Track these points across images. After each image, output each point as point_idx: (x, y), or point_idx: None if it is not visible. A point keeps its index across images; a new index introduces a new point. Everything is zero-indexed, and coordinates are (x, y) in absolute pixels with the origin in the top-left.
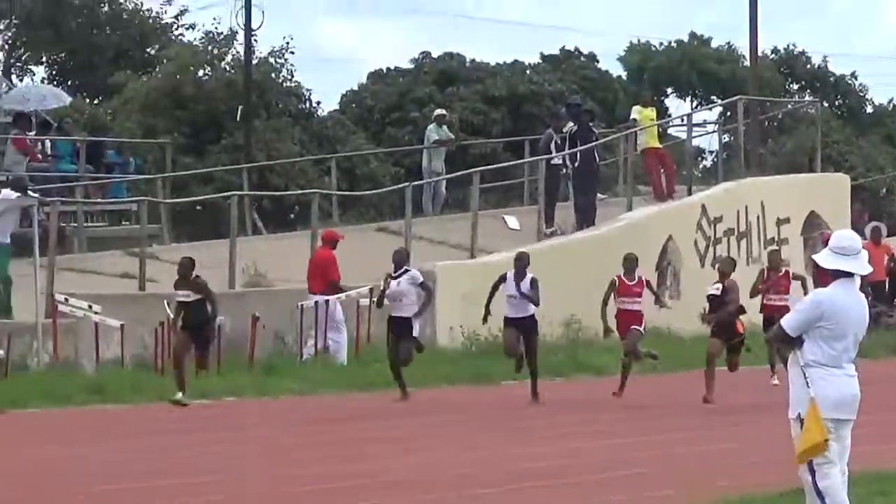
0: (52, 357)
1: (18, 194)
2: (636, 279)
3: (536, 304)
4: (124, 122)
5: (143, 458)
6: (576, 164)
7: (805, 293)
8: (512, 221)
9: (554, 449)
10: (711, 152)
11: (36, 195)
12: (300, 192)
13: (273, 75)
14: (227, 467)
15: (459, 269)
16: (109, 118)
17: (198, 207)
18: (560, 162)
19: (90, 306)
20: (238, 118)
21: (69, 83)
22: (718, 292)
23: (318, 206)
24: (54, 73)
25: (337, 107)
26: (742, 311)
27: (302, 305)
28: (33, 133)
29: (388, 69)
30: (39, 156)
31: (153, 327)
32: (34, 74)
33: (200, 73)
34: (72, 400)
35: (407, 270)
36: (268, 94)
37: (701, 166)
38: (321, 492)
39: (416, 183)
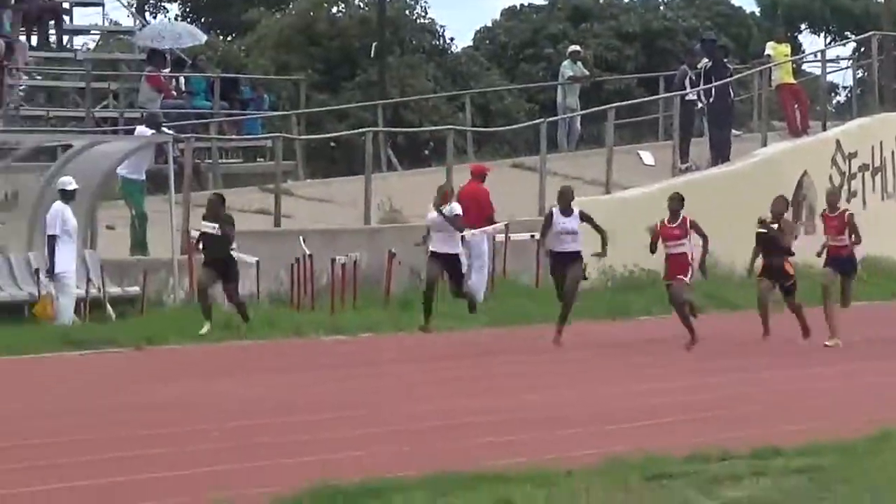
0: (188, 293)
1: (153, 131)
2: (679, 221)
3: (600, 230)
4: (258, 58)
5: (276, 393)
6: (710, 100)
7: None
8: (647, 157)
9: (685, 384)
10: (845, 88)
11: (170, 132)
12: (434, 128)
13: (407, 12)
14: (361, 403)
15: (595, 204)
16: (243, 55)
17: (332, 144)
18: (695, 98)
19: None
20: (372, 55)
21: (202, 20)
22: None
23: (453, 142)
24: (188, 10)
25: (471, 43)
26: (790, 253)
27: None
28: (168, 70)
29: (522, 5)
30: (174, 93)
31: (289, 263)
32: (167, 12)
33: (334, 9)
34: (207, 336)
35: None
36: (402, 31)
37: (835, 102)
38: (452, 427)
39: (550, 119)
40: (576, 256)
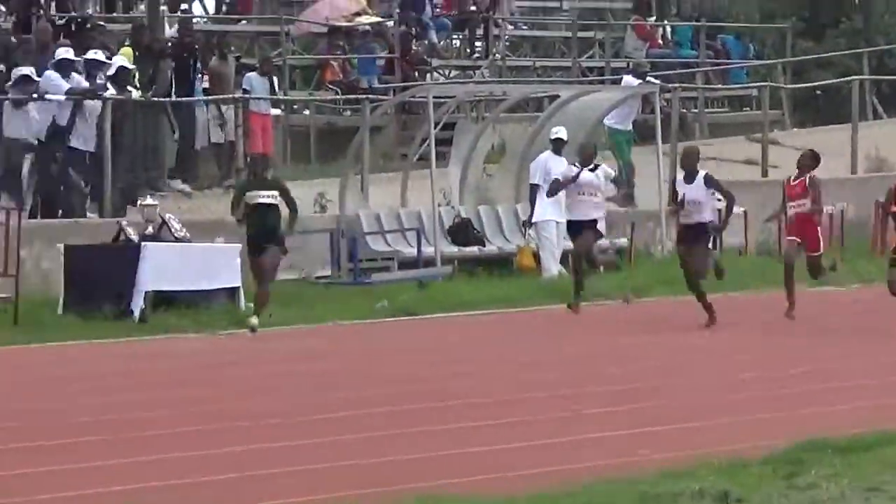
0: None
1: (640, 81)
2: (799, 179)
3: (728, 198)
4: (743, 7)
5: (762, 348)
6: None
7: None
8: None
9: None
10: None
11: (656, 81)
12: None
13: None
14: (834, 357)
15: None
16: (727, 2)
17: (817, 92)
18: None
19: None
20: (857, 1)
21: None
22: None
23: None
24: None
25: None
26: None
27: None
28: (653, 19)
29: None
30: (660, 41)
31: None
32: None
33: None
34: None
35: (598, 165)
36: None
37: None
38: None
39: None
40: (700, 228)
